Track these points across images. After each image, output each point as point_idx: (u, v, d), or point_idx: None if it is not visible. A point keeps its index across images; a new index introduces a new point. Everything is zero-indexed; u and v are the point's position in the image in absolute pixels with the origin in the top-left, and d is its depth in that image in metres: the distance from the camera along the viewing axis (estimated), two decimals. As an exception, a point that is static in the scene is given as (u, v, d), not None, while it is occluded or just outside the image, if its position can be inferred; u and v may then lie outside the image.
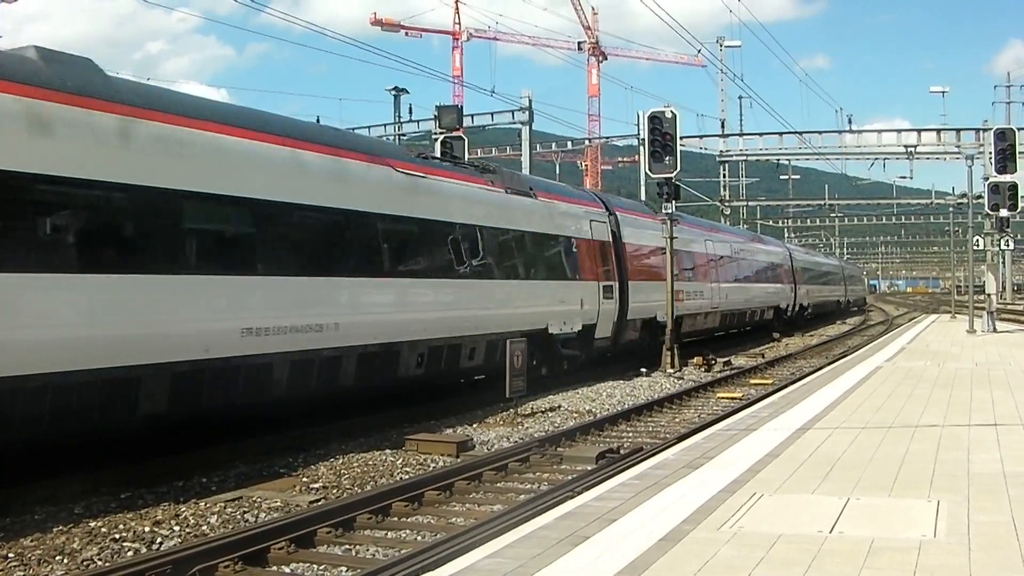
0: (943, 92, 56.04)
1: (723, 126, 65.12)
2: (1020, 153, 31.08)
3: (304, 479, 11.68)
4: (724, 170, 64.10)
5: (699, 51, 41.57)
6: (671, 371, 24.10)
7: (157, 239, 11.39)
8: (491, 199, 19.32)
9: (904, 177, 60.47)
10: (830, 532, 6.47)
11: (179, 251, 11.76)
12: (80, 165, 10.41)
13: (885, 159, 55.31)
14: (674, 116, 24.68)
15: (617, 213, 25.23)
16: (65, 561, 8.39)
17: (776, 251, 47.97)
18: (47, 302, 9.96)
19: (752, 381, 23.23)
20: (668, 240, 25.14)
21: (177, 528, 9.43)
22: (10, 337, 9.41)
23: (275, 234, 13.23)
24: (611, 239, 24.10)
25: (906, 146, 52.48)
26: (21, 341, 9.55)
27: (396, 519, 9.88)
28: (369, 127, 45.74)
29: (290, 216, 13.47)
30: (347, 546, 8.93)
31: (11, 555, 8.43)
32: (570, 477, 11.37)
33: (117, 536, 9.07)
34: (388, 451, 13.37)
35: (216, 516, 9.88)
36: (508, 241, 19.69)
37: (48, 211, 10.32)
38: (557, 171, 66.29)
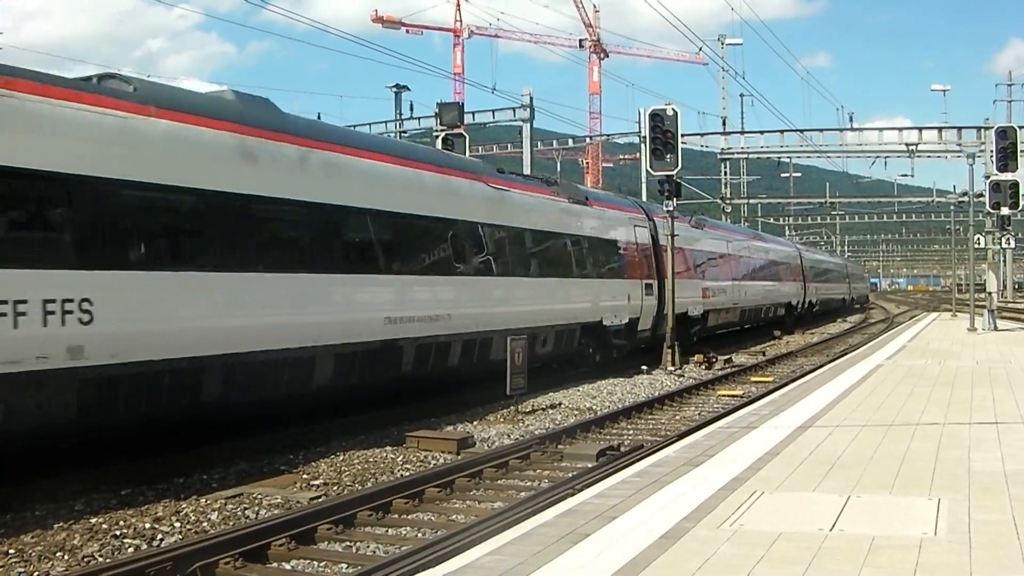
0: (944, 90, 56.03)
1: (724, 124, 65.16)
2: (1021, 151, 31.03)
3: (305, 476, 11.68)
4: (725, 168, 64.13)
5: (700, 49, 41.64)
6: (672, 369, 24.11)
7: (324, 246, 14.14)
8: (558, 208, 22.12)
9: (905, 175, 60.53)
10: (831, 530, 6.46)
11: (341, 255, 14.58)
12: (276, 186, 13.17)
13: (886, 157, 55.36)
14: (675, 114, 24.66)
15: (655, 219, 27.28)
16: (66, 558, 8.39)
17: (788, 251, 50.18)
18: (263, 295, 12.68)
19: (753, 379, 23.23)
20: (669, 237, 25.12)
21: (178, 525, 9.44)
22: (249, 322, 12.37)
23: (406, 240, 16.21)
24: (651, 242, 26.88)
25: (907, 144, 52.46)
26: (253, 325, 12.42)
27: (397, 516, 9.89)
28: (370, 124, 45.74)
29: (416, 225, 16.34)
30: (347, 543, 8.93)
31: (11, 551, 8.43)
32: (570, 474, 11.38)
33: (118, 533, 9.08)
34: (389, 448, 13.38)
35: (217, 513, 9.88)
36: (573, 245, 22.52)
37: (256, 224, 12.98)
38: (558, 169, 66.32)
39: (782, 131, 55.55)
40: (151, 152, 11.31)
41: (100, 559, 8.37)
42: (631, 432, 15.40)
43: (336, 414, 14.78)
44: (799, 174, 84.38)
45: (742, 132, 61.44)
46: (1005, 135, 30.76)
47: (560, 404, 17.86)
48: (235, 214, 12.41)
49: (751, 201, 73.49)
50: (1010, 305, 57.36)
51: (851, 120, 59.49)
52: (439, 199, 17.09)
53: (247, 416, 13.20)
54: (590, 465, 11.87)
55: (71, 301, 9.95)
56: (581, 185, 30.53)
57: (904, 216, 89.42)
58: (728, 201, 64.01)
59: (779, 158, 61.90)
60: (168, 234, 11.87)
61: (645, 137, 27.57)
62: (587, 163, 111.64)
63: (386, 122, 46.47)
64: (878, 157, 55.68)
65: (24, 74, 10.10)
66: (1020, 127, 32.42)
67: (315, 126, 15.97)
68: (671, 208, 25.17)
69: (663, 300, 26.00)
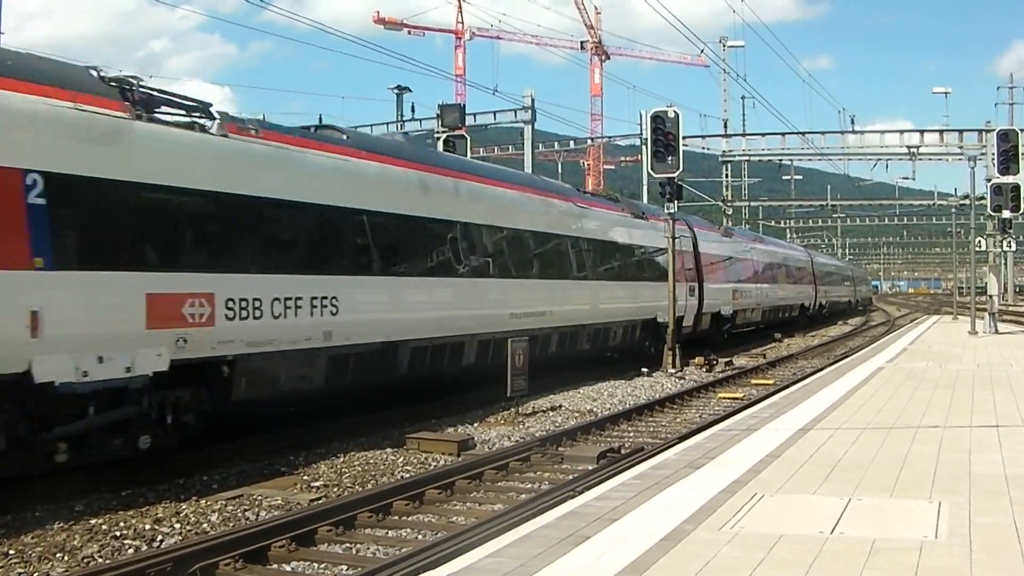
0: (946, 93, 56.07)
1: (726, 126, 65.22)
2: (1023, 154, 31.03)
3: (305, 477, 11.68)
4: (726, 170, 64.08)
5: (702, 51, 41.67)
6: (672, 371, 24.11)
7: (471, 257, 17.81)
8: (624, 222, 26.01)
9: (906, 178, 60.59)
10: (831, 533, 6.46)
11: (481, 264, 18.25)
12: (440, 210, 16.94)
13: (888, 160, 55.31)
14: (677, 116, 24.68)
15: (695, 229, 31.69)
16: (65, 558, 8.39)
17: (802, 257, 53.82)
18: (428, 296, 16.43)
19: (753, 381, 23.23)
20: (670, 240, 25.12)
21: (178, 526, 9.44)
22: (426, 316, 16.11)
23: (522, 250, 20.11)
24: (693, 249, 30.65)
25: (908, 147, 52.46)
26: (429, 318, 16.17)
27: (397, 518, 9.88)
28: (372, 125, 45.65)
29: (528, 238, 20.44)
30: (348, 544, 8.93)
31: (11, 552, 8.44)
32: (571, 477, 11.38)
33: (118, 534, 9.08)
34: (389, 450, 13.37)
35: (217, 514, 9.88)
36: (638, 253, 26.70)
37: (431, 239, 16.71)
38: (559, 171, 66.25)
39: (783, 133, 55.64)
40: (371, 187, 15.04)
41: (100, 560, 8.37)
42: (632, 434, 15.39)
43: (336, 416, 14.80)
44: (800, 176, 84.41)
45: (743, 134, 61.49)
46: (1006, 138, 30.74)
47: (561, 406, 17.86)
48: (417, 233, 16.28)
49: (752, 203, 73.47)
50: (1011, 308, 57.25)
51: (852, 123, 59.42)
52: (543, 217, 21.24)
53: (426, 386, 17.00)
54: (591, 467, 11.86)
55: (327, 299, 13.44)
56: (636, 200, 34.02)
57: (905, 219, 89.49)
58: (729, 203, 63.99)
59: (780, 160, 61.88)
60: (379, 248, 15.28)
61: (647, 139, 27.62)
62: (588, 165, 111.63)
63: (388, 123, 46.42)
64: (879, 160, 55.65)
65: (282, 129, 13.60)
66: (1021, 130, 32.40)
67: (460, 162, 20.77)
68: (672, 211, 25.17)
69: (702, 300, 30.40)
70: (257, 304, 12.18)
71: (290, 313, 12.75)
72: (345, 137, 15.15)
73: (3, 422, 9.38)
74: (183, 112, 11.69)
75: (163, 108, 11.42)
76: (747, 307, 37.21)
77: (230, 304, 11.73)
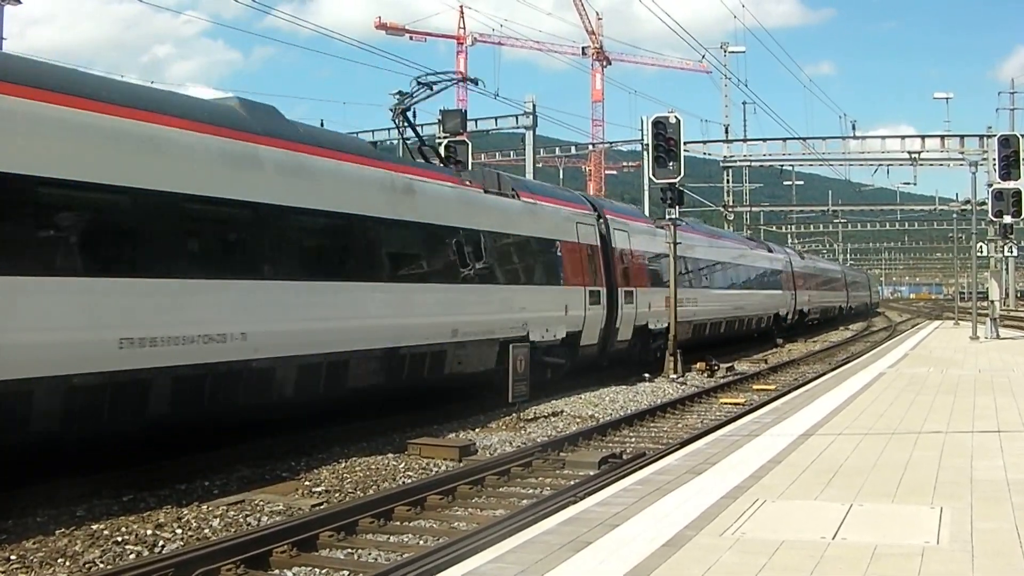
0: (947, 98, 55.97)
1: (727, 131, 65.20)
2: (1024, 160, 31.02)
3: (306, 483, 11.68)
4: (728, 175, 64.08)
5: (703, 56, 41.58)
6: (674, 376, 24.08)
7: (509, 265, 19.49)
8: (682, 237, 27.03)
9: (908, 183, 60.69)
10: (833, 538, 6.46)
11: (525, 272, 20.12)
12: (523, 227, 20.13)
13: (889, 165, 55.30)
14: (678, 121, 24.67)
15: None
16: (67, 564, 8.39)
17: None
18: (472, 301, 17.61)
19: (755, 387, 23.21)
20: (672, 246, 25.11)
21: (179, 531, 9.44)
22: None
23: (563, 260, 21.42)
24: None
25: (910, 152, 52.44)
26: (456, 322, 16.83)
27: (398, 523, 9.88)
28: (373, 131, 45.72)
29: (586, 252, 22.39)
30: (349, 550, 8.92)
31: (13, 557, 8.44)
32: (573, 482, 11.36)
33: (119, 539, 9.08)
34: (391, 455, 13.37)
35: (218, 519, 9.89)
36: (718, 263, 33.70)
37: (526, 253, 20.13)
38: (561, 176, 66.31)
39: (785, 139, 55.56)
40: (517, 216, 19.70)
41: (102, 565, 8.37)
42: (633, 440, 15.38)
43: (338, 421, 14.77)
44: (802, 182, 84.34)
45: (745, 140, 61.50)
46: (1008, 143, 30.78)
47: (562, 412, 17.86)
48: (516, 248, 19.61)
49: (754, 209, 73.44)
50: (1012, 313, 57.22)
51: (854, 128, 59.39)
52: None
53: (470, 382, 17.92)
54: (592, 473, 11.85)
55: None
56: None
57: (907, 224, 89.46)
58: (731, 209, 63.99)
59: (782, 166, 61.83)
60: (492, 261, 18.32)
61: (648, 145, 27.62)
62: (590, 170, 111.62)
63: (388, 129, 46.43)
64: (881, 165, 55.66)
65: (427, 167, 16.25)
66: (1023, 135, 32.42)
67: (537, 186, 23.89)
68: (674, 216, 25.17)
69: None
70: None
71: None
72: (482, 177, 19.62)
73: None
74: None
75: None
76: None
77: None
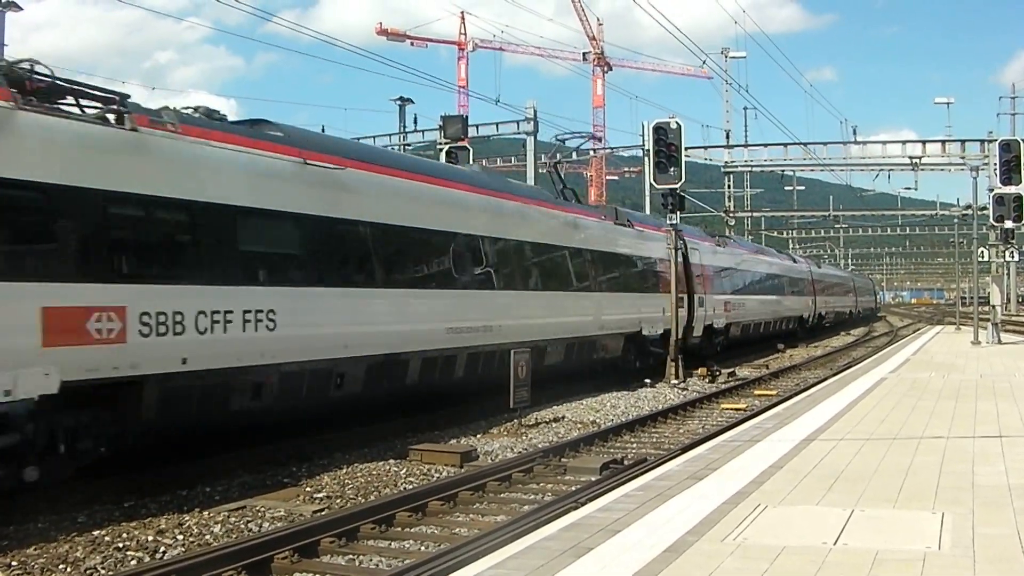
0: (948, 103, 56.01)
1: (728, 137, 65.18)
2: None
3: (308, 489, 11.68)
4: (729, 181, 64.13)
5: (704, 62, 41.52)
6: (675, 382, 24.09)
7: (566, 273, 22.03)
8: (734, 251, 37.04)
9: (909, 188, 60.47)
10: (834, 544, 6.46)
11: (574, 279, 22.23)
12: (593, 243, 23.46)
13: (890, 170, 55.35)
14: (679, 127, 24.71)
15: (686, 239, 34.61)
16: (68, 570, 8.39)
17: (801, 268, 52.76)
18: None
19: (756, 392, 23.20)
20: (673, 250, 25.12)
21: (180, 537, 9.43)
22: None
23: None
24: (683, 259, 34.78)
25: (911, 157, 52.43)
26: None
27: (400, 529, 9.88)
28: (374, 137, 45.79)
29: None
30: (351, 556, 8.92)
31: (15, 563, 8.44)
32: (574, 488, 11.36)
33: (120, 545, 9.07)
34: (392, 461, 13.36)
35: (220, 525, 9.88)
36: (762, 273, 40.87)
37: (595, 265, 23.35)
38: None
39: (786, 144, 55.55)
40: (634, 241, 25.29)
41: (103, 571, 8.39)
42: (634, 446, 15.38)
43: (339, 427, 14.78)
44: (803, 187, 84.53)
45: (746, 145, 61.44)
46: (1009, 148, 30.78)
47: (563, 417, 17.84)
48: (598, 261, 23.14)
49: (755, 214, 73.49)
50: (1013, 318, 57.20)
51: (855, 133, 59.36)
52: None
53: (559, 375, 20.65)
54: (593, 479, 11.85)
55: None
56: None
57: (908, 229, 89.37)
58: (732, 214, 64.01)
59: (783, 171, 61.86)
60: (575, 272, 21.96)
61: (649, 150, 27.62)
62: (591, 176, 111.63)
63: (390, 135, 46.54)
64: (882, 170, 55.71)
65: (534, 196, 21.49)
66: (1024, 140, 32.41)
67: (639, 216, 28.93)
68: (675, 222, 25.18)
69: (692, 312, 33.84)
70: None
71: None
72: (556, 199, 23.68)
73: None
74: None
75: None
76: (743, 319, 36.62)
77: None
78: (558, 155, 28.33)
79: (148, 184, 10.93)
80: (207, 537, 9.49)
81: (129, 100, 11.28)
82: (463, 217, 17.66)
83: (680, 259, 27.14)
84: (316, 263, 13.71)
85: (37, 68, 10.55)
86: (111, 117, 10.98)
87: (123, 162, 10.73)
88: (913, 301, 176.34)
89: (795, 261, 52.51)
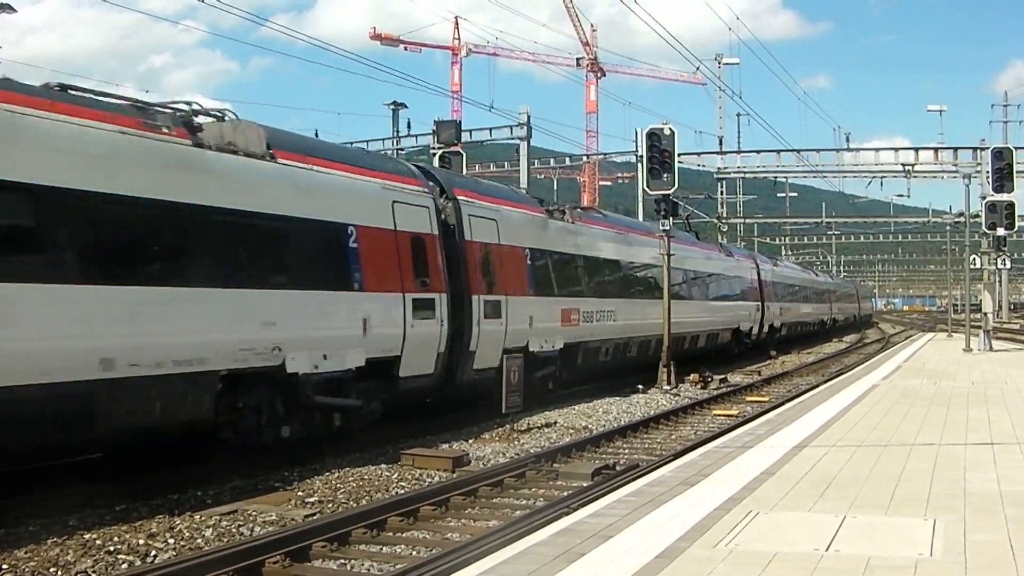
0: (941, 111, 56.24)
1: (721, 143, 65.40)
2: (1018, 172, 31.13)
3: (299, 493, 11.65)
4: (722, 187, 64.27)
5: (697, 68, 41.70)
6: (667, 388, 24.07)
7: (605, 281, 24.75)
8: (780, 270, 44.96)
9: (901, 195, 60.74)
10: (826, 550, 6.46)
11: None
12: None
13: (883, 177, 55.54)
14: (672, 133, 24.73)
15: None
16: (59, 573, 8.36)
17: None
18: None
19: (749, 398, 23.22)
20: (666, 256, 25.13)
21: (172, 541, 9.40)
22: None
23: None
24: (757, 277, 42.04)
25: (904, 164, 52.64)
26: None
27: (391, 534, 9.86)
28: (368, 141, 45.79)
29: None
30: (342, 561, 8.90)
31: (5, 566, 8.40)
32: (566, 493, 11.36)
33: (111, 548, 9.04)
34: (384, 466, 13.34)
35: (211, 529, 9.84)
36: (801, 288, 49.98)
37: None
38: (555, 187, 66.37)
39: (779, 151, 55.80)
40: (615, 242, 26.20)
41: (94, 575, 8.35)
42: (627, 451, 15.38)
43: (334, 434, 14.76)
44: (795, 194, 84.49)
45: (739, 152, 61.80)
46: (1001, 156, 30.89)
47: (555, 423, 17.82)
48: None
49: (747, 220, 73.70)
50: (1005, 326, 57.35)
51: (848, 140, 59.65)
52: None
53: (613, 370, 23.76)
54: (585, 484, 11.84)
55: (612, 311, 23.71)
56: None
57: (900, 236, 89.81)
58: (724, 221, 64.13)
59: (775, 178, 62.12)
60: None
61: (642, 156, 27.64)
62: (584, 182, 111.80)
63: (383, 139, 46.55)
64: (874, 177, 55.92)
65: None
66: (1016, 148, 32.60)
67: (683, 235, 31.99)
68: (667, 227, 25.20)
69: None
70: None
71: None
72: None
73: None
74: None
75: None
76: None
77: None
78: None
79: None
80: (198, 541, 9.46)
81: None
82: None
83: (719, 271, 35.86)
84: None
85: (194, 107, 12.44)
86: None
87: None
88: (905, 308, 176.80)
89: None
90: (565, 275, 22.14)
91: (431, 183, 17.39)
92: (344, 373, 14.00)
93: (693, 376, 26.00)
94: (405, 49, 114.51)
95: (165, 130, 11.72)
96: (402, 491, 11.79)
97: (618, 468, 12.87)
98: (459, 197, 18.00)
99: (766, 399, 22.60)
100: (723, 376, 27.72)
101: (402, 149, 45.13)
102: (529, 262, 20.27)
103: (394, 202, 15.68)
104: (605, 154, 74.66)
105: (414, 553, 9.14)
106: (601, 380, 23.62)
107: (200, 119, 12.57)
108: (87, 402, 10.18)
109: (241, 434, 12.52)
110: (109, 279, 10.61)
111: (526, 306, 19.49)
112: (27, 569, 8.38)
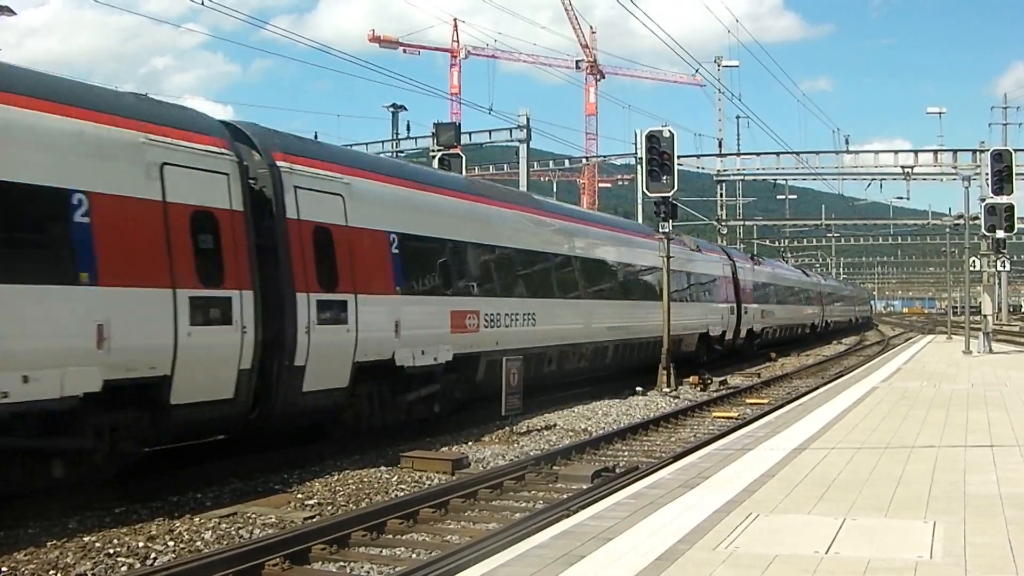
0: (940, 113, 56.19)
1: (720, 145, 65.33)
2: (1017, 175, 31.12)
3: (299, 495, 11.65)
4: (721, 189, 64.25)
5: (696, 71, 41.65)
6: (667, 390, 24.08)
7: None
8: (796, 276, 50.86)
9: (901, 198, 60.58)
10: (826, 553, 6.46)
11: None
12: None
13: (882, 179, 55.48)
14: (672, 135, 24.77)
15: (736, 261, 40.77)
16: (59, 575, 8.36)
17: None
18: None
19: (748, 401, 23.21)
20: (665, 259, 25.14)
21: (171, 543, 9.40)
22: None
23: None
24: (733, 275, 40.82)
25: (903, 167, 52.63)
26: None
27: (391, 536, 9.86)
28: (367, 143, 45.79)
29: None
30: (342, 563, 8.90)
31: (4, 569, 8.40)
32: (566, 496, 11.35)
33: (111, 551, 9.04)
34: (383, 468, 13.34)
35: (211, 532, 9.85)
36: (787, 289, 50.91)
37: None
38: (555, 189, 66.34)
39: (778, 153, 55.81)
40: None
41: (93, 578, 8.34)
42: (626, 454, 15.37)
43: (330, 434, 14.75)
44: (795, 196, 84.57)
45: (738, 154, 61.71)
46: (1001, 158, 30.90)
47: (555, 425, 17.81)
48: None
49: (747, 223, 73.67)
50: (1005, 328, 57.36)
51: (847, 143, 59.61)
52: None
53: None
54: (585, 487, 11.84)
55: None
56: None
57: (900, 238, 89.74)
58: (724, 223, 64.12)
59: (775, 180, 62.09)
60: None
61: (642, 158, 27.66)
62: (583, 184, 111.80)
63: (383, 142, 46.56)
64: (874, 179, 55.86)
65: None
66: (1016, 150, 32.60)
67: (704, 244, 38.01)
68: (667, 230, 25.22)
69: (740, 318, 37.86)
70: None
71: None
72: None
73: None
74: None
75: None
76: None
77: None
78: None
79: None
80: (198, 543, 9.46)
81: None
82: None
83: (731, 275, 38.04)
84: None
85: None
86: None
87: None
88: (905, 310, 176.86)
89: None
90: (459, 269, 17.89)
91: (240, 143, 13.18)
92: (58, 402, 9.92)
93: (692, 378, 26.05)
94: (404, 51, 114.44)
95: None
96: (402, 493, 11.79)
97: (618, 470, 12.86)
98: (280, 163, 13.55)
99: (766, 401, 22.59)
100: (723, 378, 27.74)
101: (402, 151, 45.17)
102: (396, 251, 15.67)
103: (164, 164, 11.49)
104: (604, 156, 74.62)
105: (414, 555, 9.13)
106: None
107: None
108: None
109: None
110: None
111: (390, 308, 15.39)
112: (27, 571, 8.38)
